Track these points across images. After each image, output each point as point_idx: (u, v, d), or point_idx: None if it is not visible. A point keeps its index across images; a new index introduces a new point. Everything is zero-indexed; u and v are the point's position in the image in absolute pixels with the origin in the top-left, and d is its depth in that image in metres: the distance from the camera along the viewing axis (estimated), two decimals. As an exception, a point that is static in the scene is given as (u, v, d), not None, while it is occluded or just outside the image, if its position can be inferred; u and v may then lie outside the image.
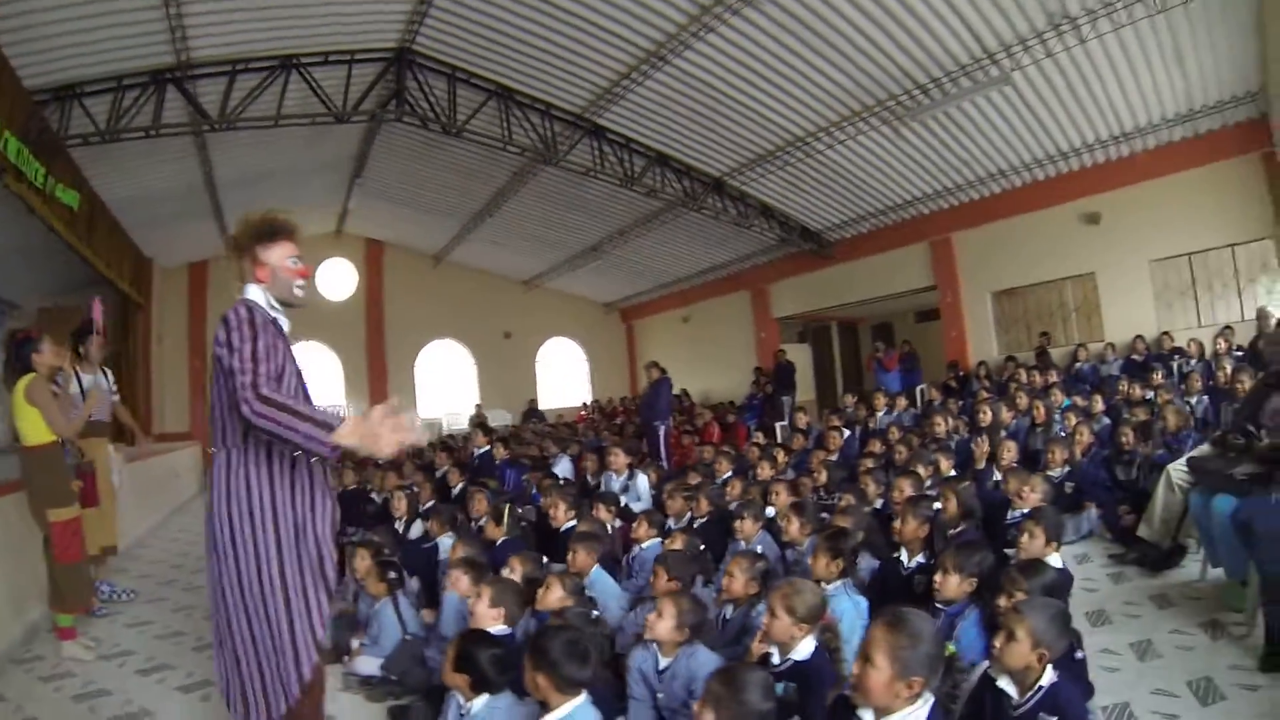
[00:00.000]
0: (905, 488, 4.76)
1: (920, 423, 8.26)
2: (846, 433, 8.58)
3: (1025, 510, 4.13)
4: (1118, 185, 9.81)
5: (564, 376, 20.58)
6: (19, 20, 6.31)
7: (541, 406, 18.47)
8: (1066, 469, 5.59)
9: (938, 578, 3.06)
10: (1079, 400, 7.83)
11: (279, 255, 2.47)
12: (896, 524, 3.86)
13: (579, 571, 3.93)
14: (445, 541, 4.82)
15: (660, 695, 2.81)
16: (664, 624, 2.78)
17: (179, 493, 9.26)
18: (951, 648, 2.59)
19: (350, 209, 14.58)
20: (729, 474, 6.38)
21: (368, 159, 12.17)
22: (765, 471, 6.67)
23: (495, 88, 9.86)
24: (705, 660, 2.76)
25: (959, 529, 4.07)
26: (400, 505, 5.93)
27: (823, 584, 3.22)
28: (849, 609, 3.20)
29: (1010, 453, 5.93)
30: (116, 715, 3.40)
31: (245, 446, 2.31)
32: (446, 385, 18.91)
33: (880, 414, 9.15)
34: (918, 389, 11.39)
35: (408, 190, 14.03)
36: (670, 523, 5.42)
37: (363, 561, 4.02)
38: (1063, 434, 6.46)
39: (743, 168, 11.19)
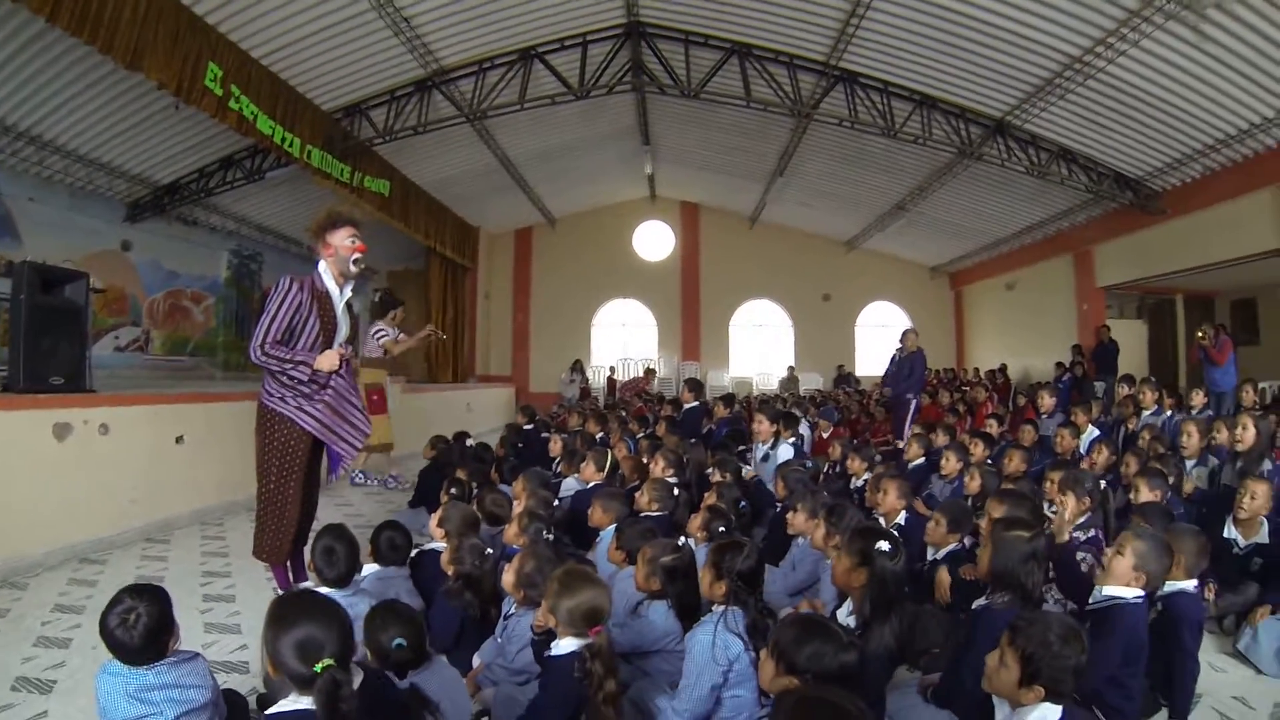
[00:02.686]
0: (996, 513, 3.29)
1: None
2: (1094, 434, 6.65)
3: (1110, 596, 2.54)
4: None
5: (886, 343, 19.22)
6: (304, 64, 8.47)
7: (860, 372, 17.76)
8: (1258, 538, 3.53)
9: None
10: None
11: (340, 237, 3.23)
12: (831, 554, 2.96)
13: (596, 525, 3.88)
14: (568, 482, 5.18)
15: (499, 640, 2.79)
16: (507, 576, 2.74)
17: (467, 422, 10.32)
18: None
19: (650, 174, 15.58)
20: (920, 459, 5.69)
21: (648, 127, 12.92)
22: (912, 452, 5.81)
23: (730, 45, 9.74)
24: (521, 631, 2.65)
25: (995, 598, 2.51)
26: (555, 446, 6.24)
27: (644, 600, 2.78)
28: (658, 621, 2.73)
29: (1256, 499, 3.60)
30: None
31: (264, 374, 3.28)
32: (761, 345, 19.12)
33: (1146, 413, 6.92)
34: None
35: (697, 153, 14.54)
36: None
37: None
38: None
39: (1022, 104, 9.28)
